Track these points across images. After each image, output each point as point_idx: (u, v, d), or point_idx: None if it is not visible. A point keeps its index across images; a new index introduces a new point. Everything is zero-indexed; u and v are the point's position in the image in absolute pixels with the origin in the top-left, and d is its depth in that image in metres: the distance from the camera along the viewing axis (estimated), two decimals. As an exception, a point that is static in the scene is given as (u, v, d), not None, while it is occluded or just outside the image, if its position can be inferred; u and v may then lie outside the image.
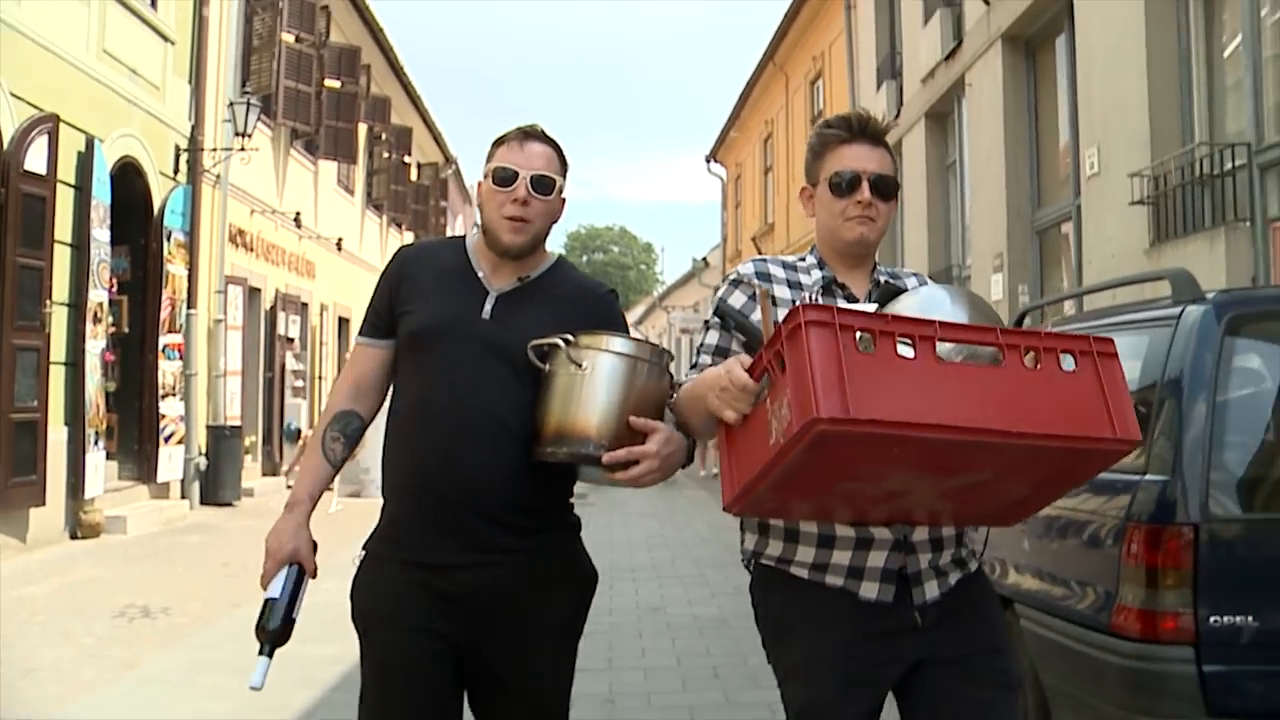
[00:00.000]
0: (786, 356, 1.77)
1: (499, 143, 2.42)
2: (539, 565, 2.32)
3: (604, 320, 2.42)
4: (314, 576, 2.32)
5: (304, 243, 16.56)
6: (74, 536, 9.54)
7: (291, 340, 16.13)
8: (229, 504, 12.40)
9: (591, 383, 2.20)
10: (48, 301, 9.02)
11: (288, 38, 14.74)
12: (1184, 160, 7.24)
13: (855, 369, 1.70)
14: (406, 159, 23.26)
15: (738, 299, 2.31)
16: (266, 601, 2.25)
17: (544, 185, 2.36)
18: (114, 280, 10.74)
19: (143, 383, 11.33)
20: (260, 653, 2.21)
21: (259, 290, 14.82)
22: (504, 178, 2.35)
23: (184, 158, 12.15)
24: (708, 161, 30.49)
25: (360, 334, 2.50)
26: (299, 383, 16.31)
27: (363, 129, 18.73)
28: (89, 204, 9.79)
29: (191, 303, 12.23)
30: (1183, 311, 3.24)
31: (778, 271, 2.34)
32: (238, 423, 13.32)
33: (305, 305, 16.96)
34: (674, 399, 2.28)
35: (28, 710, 4.65)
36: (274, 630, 2.21)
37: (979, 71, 11.54)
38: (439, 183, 27.43)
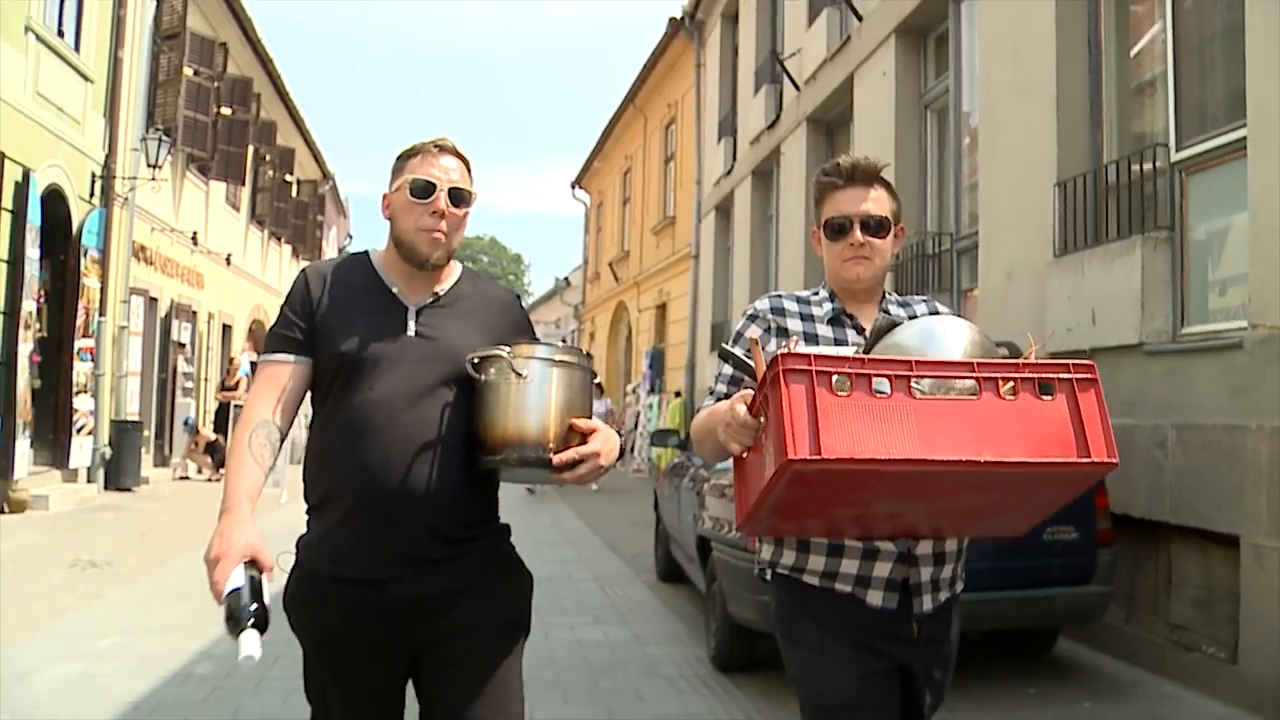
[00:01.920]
0: (769, 400, 1.95)
1: (410, 155, 2.42)
2: (477, 568, 2.35)
3: (518, 326, 2.50)
4: (270, 572, 2.13)
5: (195, 256, 18.10)
6: (2, 511, 11.09)
7: (183, 345, 17.66)
8: (129, 489, 13.95)
9: (534, 390, 2.25)
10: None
11: (188, 72, 16.32)
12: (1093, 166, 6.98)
13: (830, 411, 1.87)
14: (288, 177, 24.83)
15: (754, 332, 2.45)
16: (228, 596, 2.03)
17: (460, 198, 2.39)
18: (40, 291, 12.28)
19: (59, 381, 12.84)
20: (250, 626, 2.00)
21: (156, 300, 16.37)
22: (422, 189, 2.35)
23: (99, 184, 13.71)
24: (573, 187, 32.50)
25: (273, 350, 2.39)
26: (189, 383, 17.82)
27: (250, 151, 20.29)
28: (24, 227, 11.38)
29: (102, 311, 13.78)
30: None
31: (791, 306, 2.51)
32: (137, 418, 14.90)
33: (195, 314, 18.50)
34: (692, 423, 2.48)
35: (31, 625, 6.40)
36: (253, 610, 2.01)
37: (790, 143, 13.88)
38: (317, 198, 28.98)
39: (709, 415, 2.37)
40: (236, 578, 2.05)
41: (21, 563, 8.43)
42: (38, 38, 11.76)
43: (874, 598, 2.32)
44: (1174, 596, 5.75)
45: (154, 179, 14.24)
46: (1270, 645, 4.86)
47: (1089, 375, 2.01)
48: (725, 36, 18.29)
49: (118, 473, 13.88)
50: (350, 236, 40.53)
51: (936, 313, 2.50)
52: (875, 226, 2.45)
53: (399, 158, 2.44)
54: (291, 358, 2.38)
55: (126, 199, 14.38)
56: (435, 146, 2.41)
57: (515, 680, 2.36)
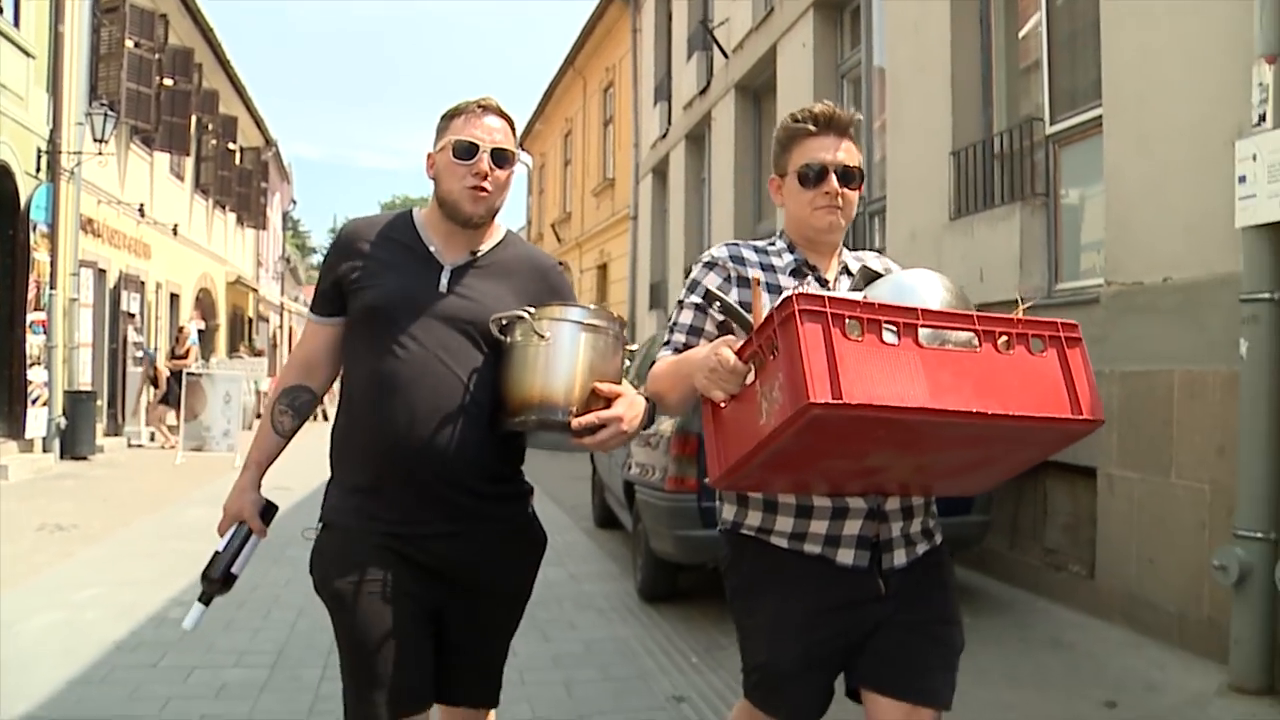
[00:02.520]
0: (780, 342, 1.87)
1: (453, 114, 2.42)
2: (505, 532, 2.41)
3: (556, 292, 2.48)
4: (263, 535, 2.47)
5: (141, 227, 18.35)
6: (-37, 481, 11.49)
7: (132, 315, 17.95)
8: (85, 458, 14.32)
9: (556, 352, 2.24)
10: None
11: (130, 44, 16.51)
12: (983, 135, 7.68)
13: (846, 356, 1.81)
14: (231, 145, 25.01)
15: (712, 281, 2.38)
16: (215, 554, 2.42)
17: (503, 158, 2.39)
18: (-9, 267, 12.60)
19: (13, 354, 13.17)
20: (200, 599, 2.41)
21: (105, 271, 16.65)
22: (465, 150, 2.35)
23: (44, 159, 13.98)
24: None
25: (311, 311, 2.52)
26: (139, 353, 18.13)
27: (193, 120, 20.48)
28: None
29: (53, 284, 14.08)
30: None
31: (750, 255, 2.42)
32: (90, 388, 15.25)
33: (143, 284, 18.77)
34: (649, 373, 2.39)
35: (10, 582, 6.88)
36: (214, 579, 2.40)
37: (720, 109, 14.42)
38: (260, 165, 29.11)
39: (674, 364, 2.30)
40: (224, 539, 2.41)
41: (-10, 527, 8.90)
42: (-19, 18, 12.00)
43: (844, 556, 2.27)
44: (1048, 524, 6.46)
45: (100, 153, 14.52)
46: (1119, 562, 5.57)
47: (1075, 334, 2.03)
48: (660, 2, 18.71)
49: (73, 442, 14.24)
50: (294, 202, 40.60)
51: (888, 270, 2.44)
52: (849, 177, 2.38)
53: (443, 117, 2.44)
54: (323, 319, 2.48)
55: (73, 173, 14.64)
56: (479, 106, 2.41)
57: (505, 643, 2.54)
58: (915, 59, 8.33)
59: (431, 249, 2.41)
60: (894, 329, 1.88)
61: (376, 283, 2.36)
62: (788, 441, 1.88)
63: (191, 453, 14.60)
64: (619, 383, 2.31)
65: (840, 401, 1.76)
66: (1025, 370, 1.94)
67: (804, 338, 1.81)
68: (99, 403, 15.80)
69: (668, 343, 2.43)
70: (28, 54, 13.53)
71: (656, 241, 18.78)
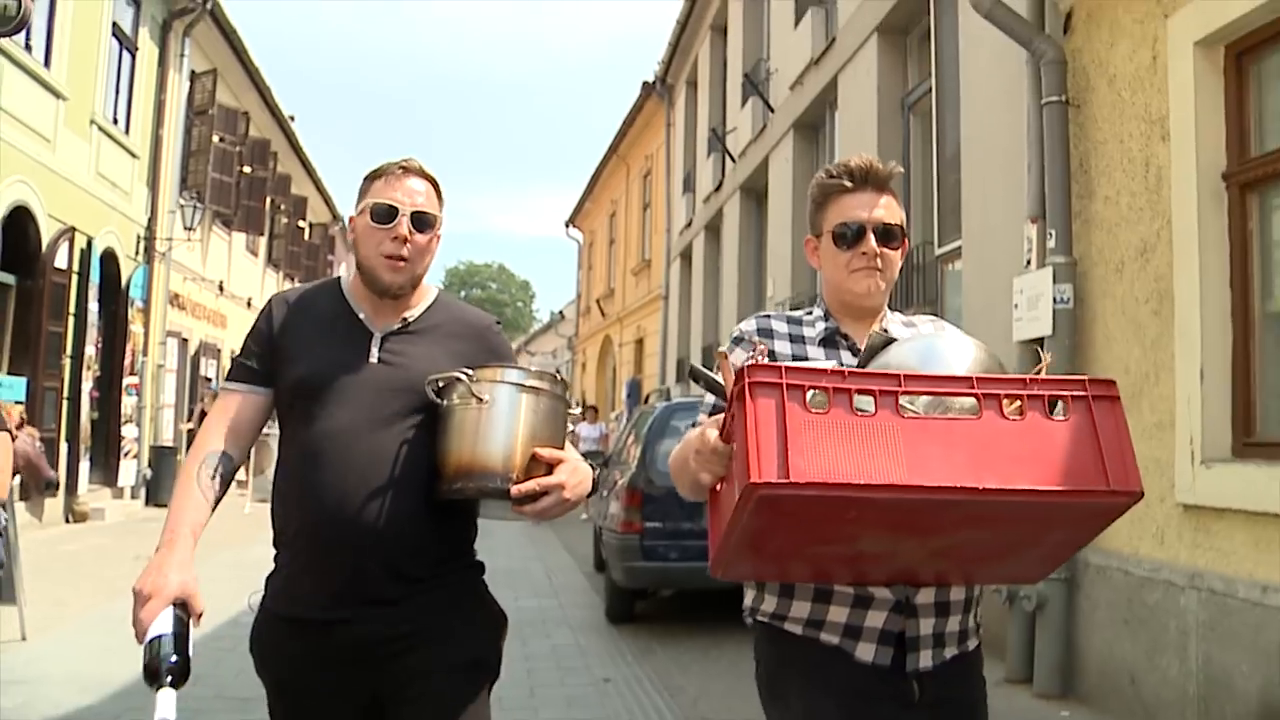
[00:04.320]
0: (734, 418, 1.72)
1: (374, 176, 2.30)
2: (437, 608, 2.21)
3: (493, 352, 2.34)
4: (198, 618, 2.00)
5: (220, 300, 20.57)
6: (68, 520, 13.50)
7: (209, 380, 20.11)
8: (166, 505, 16.32)
9: (494, 415, 2.12)
10: (65, 356, 13.09)
11: (216, 140, 18.80)
12: None
13: (802, 430, 1.64)
14: (301, 223, 27.39)
15: (738, 357, 2.17)
16: (150, 642, 1.88)
17: (424, 222, 2.26)
18: (97, 337, 14.74)
19: (111, 414, 15.28)
20: (158, 687, 1.82)
21: (187, 340, 18.86)
22: (383, 214, 2.23)
23: (142, 244, 16.19)
24: (566, 226, 34.94)
25: (232, 379, 2.32)
26: (214, 413, 20.27)
27: (268, 202, 22.78)
28: (87, 286, 13.84)
29: (145, 352, 16.25)
30: (662, 404, 7.85)
31: (780, 327, 2.26)
32: (172, 444, 17.36)
33: (219, 351, 20.99)
34: (669, 457, 2.19)
35: (122, 590, 8.71)
36: (172, 663, 1.85)
37: (729, 205, 16.30)
38: (328, 239, 31.53)
39: (683, 445, 2.08)
40: (163, 622, 1.91)
41: (96, 557, 10.83)
42: (100, 128, 14.23)
43: (864, 652, 2.03)
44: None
45: (189, 240, 16.73)
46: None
47: (1109, 393, 1.77)
48: (689, 101, 20.70)
49: (156, 490, 16.31)
50: (342, 269, 43.01)
51: (917, 332, 2.24)
52: (889, 235, 2.19)
53: (365, 179, 2.33)
54: (246, 388, 2.29)
55: (164, 254, 16.85)
56: (400, 168, 2.29)
57: None
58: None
59: (360, 316, 2.30)
60: (870, 398, 1.69)
61: (304, 355, 2.24)
62: (749, 524, 1.73)
63: (258, 504, 16.54)
64: (561, 447, 2.20)
65: (786, 481, 1.60)
66: (1039, 438, 1.70)
67: (754, 413, 1.65)
68: (179, 456, 17.89)
69: (694, 423, 2.17)
70: (134, 155, 15.80)
71: (683, 320, 20.58)
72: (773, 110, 13.67)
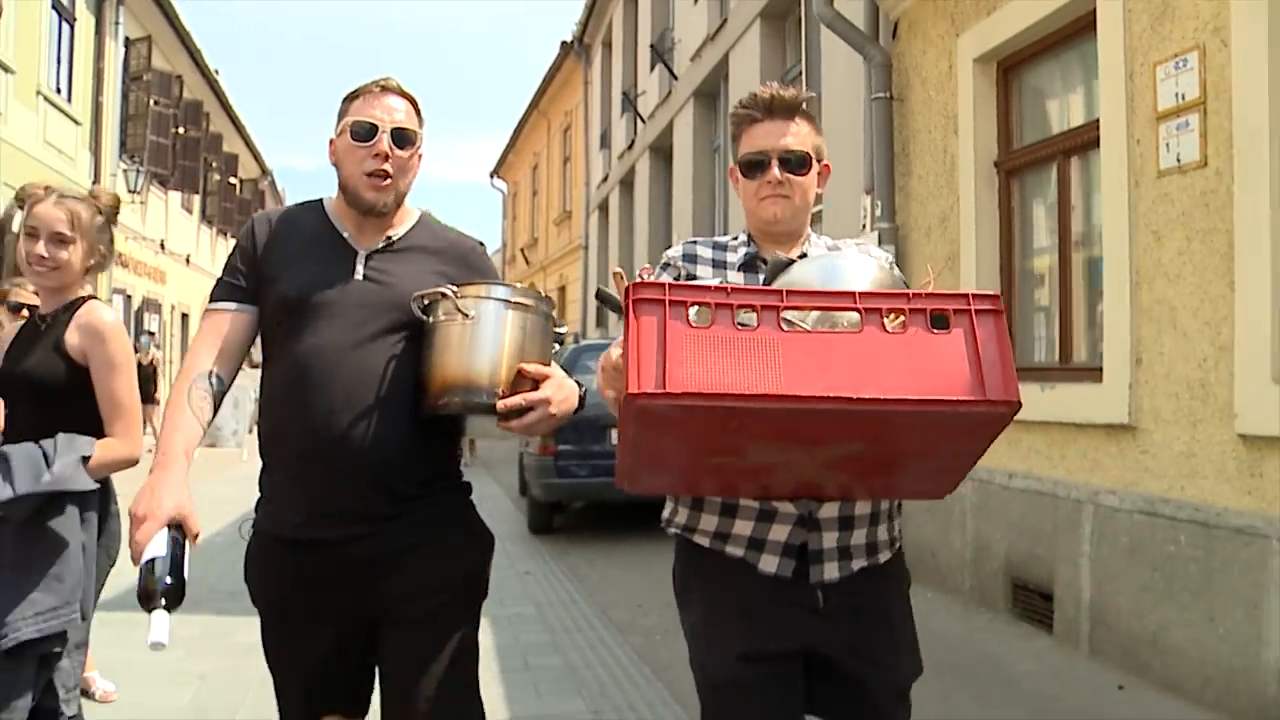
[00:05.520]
0: (624, 334, 1.74)
1: (352, 97, 2.29)
2: (428, 525, 2.22)
3: (478, 273, 2.34)
4: (195, 539, 2.01)
5: (159, 258, 21.49)
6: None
7: (153, 333, 21.08)
8: (119, 452, 17.44)
9: (481, 331, 2.12)
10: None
11: (152, 104, 19.64)
12: None
13: (681, 343, 1.68)
14: (233, 179, 28.16)
15: (664, 280, 2.03)
16: (145, 564, 1.91)
17: (405, 138, 2.26)
18: (50, 296, 15.69)
19: (64, 365, 16.28)
20: (152, 608, 1.87)
21: (130, 297, 19.81)
22: (363, 132, 2.23)
23: (87, 206, 17.11)
24: (491, 177, 35.87)
25: (217, 299, 2.30)
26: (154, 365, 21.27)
27: (201, 161, 23.60)
28: (40, 247, 14.79)
29: (93, 309, 17.22)
30: (572, 345, 9.25)
31: (705, 252, 2.29)
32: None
33: (159, 306, 21.94)
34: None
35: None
36: (168, 586, 1.89)
37: (640, 163, 17.59)
38: (258, 194, 32.26)
39: (599, 367, 2.05)
40: (158, 544, 1.93)
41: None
42: (45, 99, 15.12)
43: (767, 563, 2.09)
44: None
45: (133, 202, 17.67)
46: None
47: (991, 306, 1.77)
48: (604, 62, 21.85)
49: (110, 437, 17.34)
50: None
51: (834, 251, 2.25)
52: (795, 163, 2.21)
53: (344, 100, 2.32)
54: (233, 305, 2.28)
55: (108, 216, 17.77)
56: (379, 87, 2.29)
57: (468, 643, 2.26)
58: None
59: (344, 235, 2.29)
60: (752, 312, 1.71)
61: (288, 273, 2.24)
62: (636, 436, 1.79)
63: (206, 449, 17.68)
64: (547, 364, 2.19)
65: (662, 391, 1.64)
66: (920, 351, 1.72)
67: (637, 329, 1.69)
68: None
69: None
70: (76, 122, 16.67)
71: (602, 269, 21.88)
72: (676, 78, 14.96)
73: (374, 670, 2.30)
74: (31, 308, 3.49)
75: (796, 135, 2.25)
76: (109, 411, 2.94)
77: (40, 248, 2.93)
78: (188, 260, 23.33)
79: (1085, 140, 5.53)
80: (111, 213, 3.13)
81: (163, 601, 1.88)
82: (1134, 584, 4.82)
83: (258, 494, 2.34)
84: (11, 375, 2.95)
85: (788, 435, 1.78)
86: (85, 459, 2.78)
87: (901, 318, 1.75)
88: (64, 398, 2.91)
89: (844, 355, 1.70)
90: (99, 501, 2.92)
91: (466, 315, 2.14)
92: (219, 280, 2.34)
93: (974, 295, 1.77)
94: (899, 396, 1.68)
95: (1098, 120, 5.28)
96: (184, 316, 24.40)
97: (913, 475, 1.99)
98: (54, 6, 15.64)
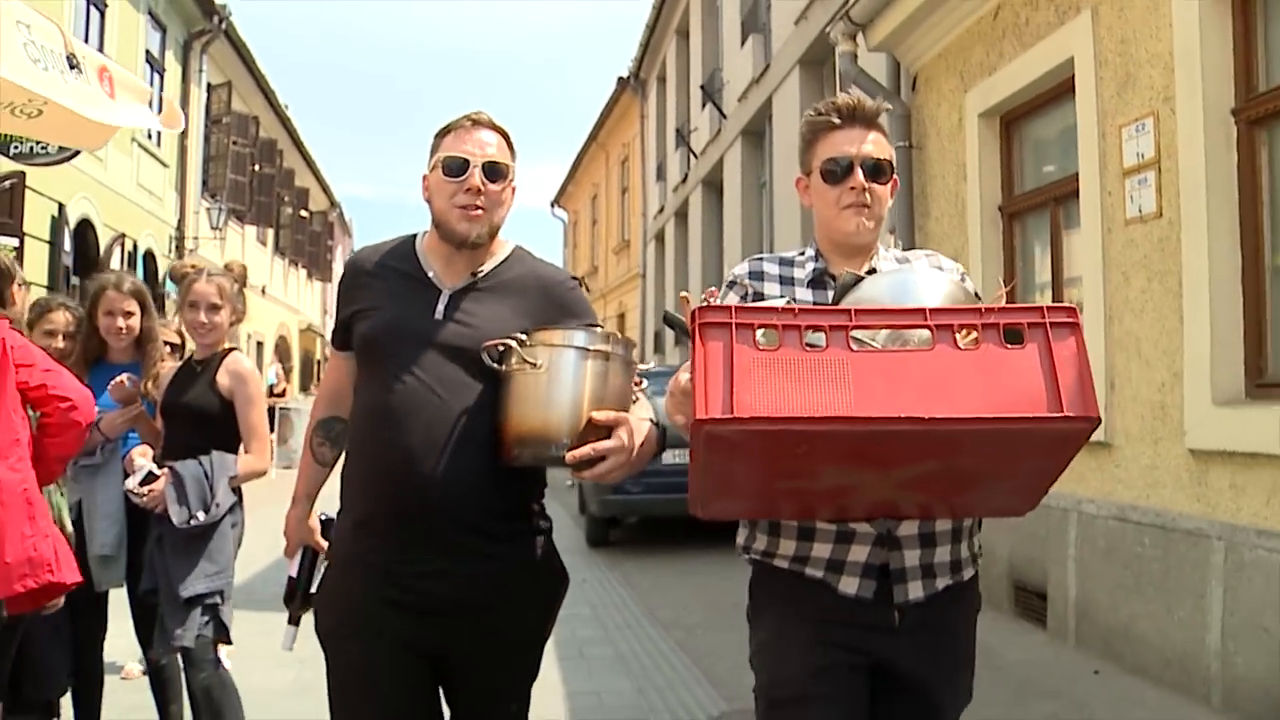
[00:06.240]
0: (691, 358, 1.74)
1: (445, 132, 2.33)
2: (509, 571, 2.24)
3: (565, 309, 2.33)
4: (324, 550, 2.52)
5: (237, 289, 22.67)
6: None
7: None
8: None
9: (550, 381, 2.10)
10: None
11: (231, 144, 20.84)
12: None
13: (749, 367, 1.67)
14: (304, 212, 29.45)
15: (730, 300, 2.18)
16: (289, 579, 2.62)
17: (496, 172, 2.28)
18: (141, 328, 16.84)
19: (153, 392, 17.41)
20: (289, 621, 2.64)
21: (212, 326, 20.96)
22: (455, 167, 2.26)
23: (173, 243, 18.28)
24: (552, 206, 36.86)
25: (333, 344, 2.48)
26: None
27: (275, 196, 24.82)
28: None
29: (180, 339, 18.38)
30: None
31: (771, 269, 2.25)
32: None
33: (237, 335, 23.03)
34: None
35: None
36: (295, 601, 2.61)
37: (694, 196, 18.39)
38: (327, 226, 33.64)
39: (667, 392, 2.02)
40: (293, 565, 2.60)
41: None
42: (139, 144, 16.31)
43: (847, 585, 2.06)
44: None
45: (215, 238, 18.83)
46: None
47: (1068, 320, 1.73)
48: (659, 97, 22.70)
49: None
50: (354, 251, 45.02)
51: (908, 265, 2.19)
52: (878, 171, 2.16)
53: (436, 135, 2.35)
54: (338, 354, 2.46)
55: (192, 250, 18.93)
56: (470, 121, 2.32)
57: (528, 687, 2.38)
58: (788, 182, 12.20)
59: (430, 274, 2.32)
60: (821, 333, 1.69)
61: (372, 313, 2.30)
62: (706, 462, 1.77)
63: (282, 470, 18.68)
64: (626, 408, 2.18)
65: (730, 417, 1.63)
66: (994, 367, 1.68)
67: (704, 354, 1.68)
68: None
69: None
70: (164, 164, 17.87)
71: (659, 297, 22.66)
72: (725, 117, 15.77)
73: (437, 705, 2.38)
74: (172, 345, 4.40)
75: (877, 144, 2.21)
76: (247, 435, 3.87)
77: (201, 315, 3.79)
78: (263, 291, 24.52)
79: (1069, 190, 6.21)
80: (243, 280, 3.99)
81: (289, 617, 2.62)
82: (1110, 582, 5.50)
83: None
84: (174, 405, 3.81)
85: (859, 457, 1.76)
86: (233, 477, 3.77)
87: (974, 334, 1.72)
88: (213, 423, 3.79)
89: (915, 374, 1.68)
90: (237, 500, 3.88)
91: (535, 365, 2.13)
92: (335, 323, 2.51)
93: (1049, 308, 1.75)
94: (973, 415, 1.66)
95: (1078, 173, 5.98)
96: (259, 345, 25.60)
97: (992, 493, 1.95)
98: (147, 60, 16.84)
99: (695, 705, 5.14)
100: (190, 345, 4.06)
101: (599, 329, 2.25)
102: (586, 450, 2.08)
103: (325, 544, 2.49)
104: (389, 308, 2.30)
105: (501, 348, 2.17)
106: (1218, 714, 4.61)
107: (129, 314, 4.10)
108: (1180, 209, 4.99)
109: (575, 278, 2.49)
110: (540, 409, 2.11)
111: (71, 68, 3.95)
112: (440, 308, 2.28)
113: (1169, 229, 5.11)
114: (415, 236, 2.43)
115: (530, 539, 2.34)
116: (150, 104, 4.76)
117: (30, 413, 3.17)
